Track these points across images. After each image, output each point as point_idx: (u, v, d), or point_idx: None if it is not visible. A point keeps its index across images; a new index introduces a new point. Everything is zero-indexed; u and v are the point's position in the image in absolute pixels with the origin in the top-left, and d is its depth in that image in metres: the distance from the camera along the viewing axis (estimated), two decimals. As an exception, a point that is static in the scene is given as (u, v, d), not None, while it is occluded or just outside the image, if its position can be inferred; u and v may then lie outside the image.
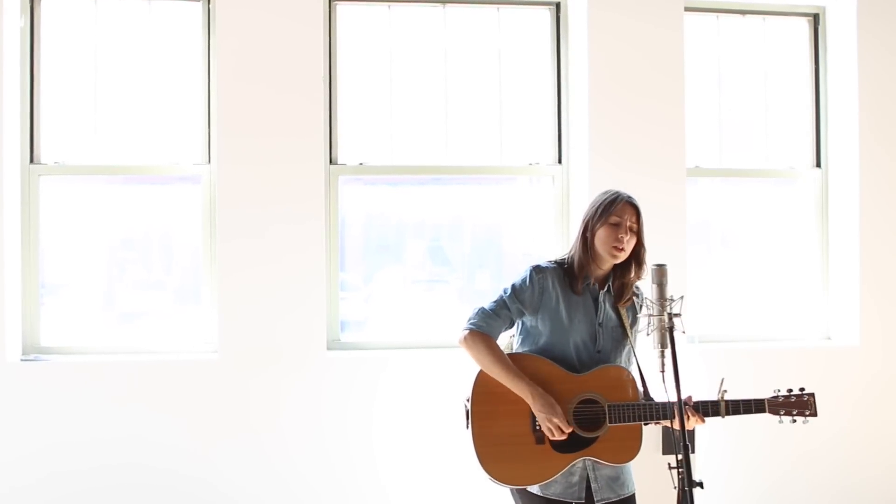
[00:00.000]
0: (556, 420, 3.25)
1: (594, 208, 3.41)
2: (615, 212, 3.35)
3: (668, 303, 3.02)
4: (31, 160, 4.88)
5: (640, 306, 3.39)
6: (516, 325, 3.48)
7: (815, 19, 5.40)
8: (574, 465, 3.30)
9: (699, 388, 3.49)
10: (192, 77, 4.97)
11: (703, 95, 5.32)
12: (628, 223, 3.34)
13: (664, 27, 5.04)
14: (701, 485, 2.96)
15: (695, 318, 4.78)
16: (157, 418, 4.74)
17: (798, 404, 3.37)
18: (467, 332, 3.38)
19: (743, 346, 5.20)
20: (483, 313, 3.40)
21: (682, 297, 3.05)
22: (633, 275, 3.40)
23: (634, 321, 3.42)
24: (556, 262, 3.46)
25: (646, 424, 3.31)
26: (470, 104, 5.16)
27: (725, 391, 3.33)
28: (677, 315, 3.01)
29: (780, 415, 3.37)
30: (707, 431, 4.82)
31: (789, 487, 5.13)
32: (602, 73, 4.98)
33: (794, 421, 3.38)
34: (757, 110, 5.42)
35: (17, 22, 4.82)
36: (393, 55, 5.13)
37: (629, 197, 3.40)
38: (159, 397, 4.75)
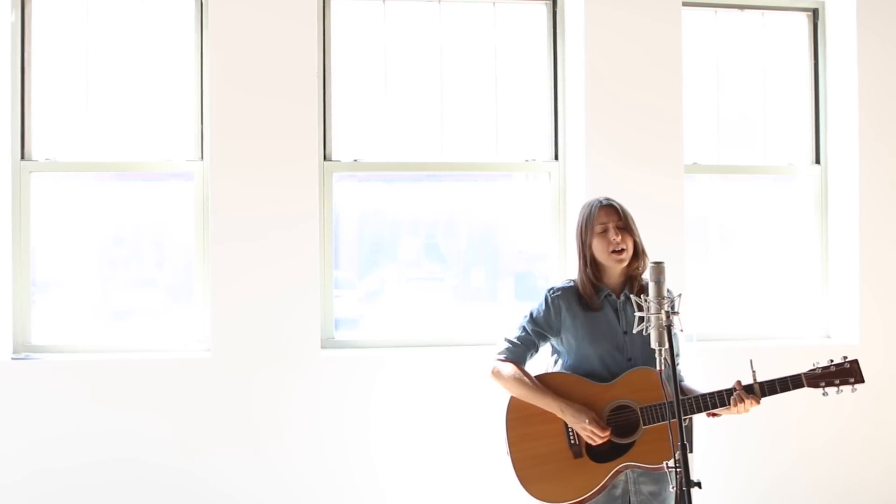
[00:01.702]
0: (589, 426, 3.29)
1: (579, 228, 3.48)
2: (597, 220, 3.42)
3: (665, 301, 2.98)
4: (22, 157, 4.84)
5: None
6: (550, 347, 3.54)
7: (815, 14, 5.36)
8: (618, 477, 3.34)
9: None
10: (185, 73, 4.93)
11: (701, 91, 5.28)
12: (613, 224, 3.39)
13: (662, 22, 5.00)
14: (699, 485, 2.94)
15: (693, 316, 4.75)
16: (149, 417, 4.70)
17: (840, 373, 3.32)
18: (493, 365, 3.48)
19: (742, 344, 5.16)
20: (507, 343, 3.50)
21: (679, 295, 3.02)
22: (636, 267, 3.43)
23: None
24: (573, 280, 3.52)
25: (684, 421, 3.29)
26: (465, 100, 5.12)
27: (755, 372, 3.30)
28: (675, 313, 2.98)
29: (822, 387, 3.32)
30: (705, 430, 4.79)
31: (788, 487, 5.09)
32: (599, 69, 4.94)
33: (840, 391, 3.33)
34: (756, 106, 5.38)
35: (7, 17, 4.78)
36: (388, 51, 5.09)
37: (604, 200, 3.47)
38: (151, 396, 4.71)
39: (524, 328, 3.48)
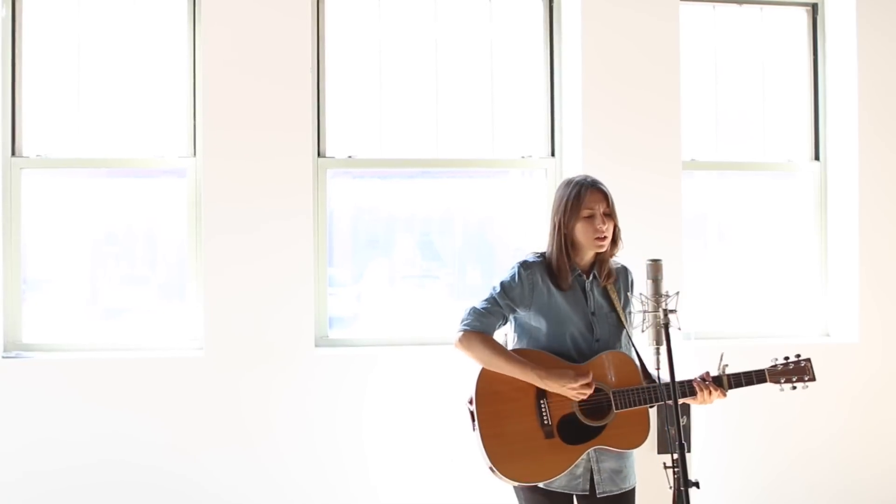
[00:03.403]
0: (574, 384, 3.18)
1: (563, 204, 3.32)
2: (585, 204, 3.28)
3: (663, 299, 2.95)
4: (13, 153, 4.80)
5: (631, 284, 3.36)
6: (511, 322, 3.42)
7: (814, 9, 5.33)
8: (579, 457, 3.26)
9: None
10: (178, 69, 4.89)
11: (699, 87, 5.26)
12: (602, 210, 3.28)
13: (659, 17, 4.97)
14: (697, 485, 2.92)
15: (691, 315, 4.72)
16: (140, 416, 4.67)
17: (796, 371, 3.34)
18: (461, 333, 3.31)
19: (740, 342, 5.13)
20: (475, 312, 3.34)
21: (677, 293, 2.99)
22: (607, 251, 3.33)
23: (626, 302, 3.37)
24: (541, 254, 3.40)
25: (652, 407, 3.26)
26: (461, 96, 5.09)
27: (726, 365, 3.27)
28: (673, 311, 2.95)
29: (781, 383, 3.34)
30: (704, 429, 4.76)
31: (787, 487, 5.06)
32: (596, 65, 4.91)
33: (794, 388, 3.34)
34: (754, 102, 5.36)
35: (-3, 11, 4.75)
36: (382, 46, 5.05)
37: (594, 182, 3.33)
38: (143, 395, 4.68)
39: (495, 299, 3.33)
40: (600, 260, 3.36)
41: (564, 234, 3.32)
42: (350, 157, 4.96)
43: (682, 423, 2.96)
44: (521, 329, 3.41)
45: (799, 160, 5.34)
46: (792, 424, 5.00)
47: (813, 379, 3.35)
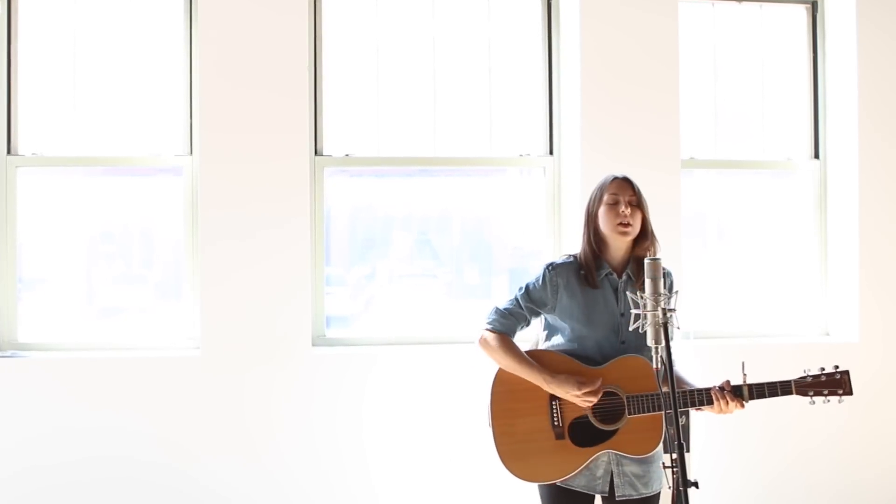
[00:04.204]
0: (577, 391, 3.22)
1: (591, 197, 3.42)
2: (609, 191, 3.36)
3: (662, 298, 2.92)
4: (9, 151, 4.78)
5: (670, 286, 3.30)
6: (541, 321, 3.48)
7: (814, 7, 5.31)
8: (599, 457, 3.28)
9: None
10: (174, 67, 4.87)
11: (698, 85, 5.23)
12: (626, 198, 3.33)
13: (658, 14, 4.95)
14: (696, 485, 2.89)
15: (690, 314, 4.69)
16: (137, 416, 4.65)
17: (830, 384, 3.24)
18: (482, 333, 3.41)
19: (739, 342, 5.11)
20: (498, 313, 3.43)
21: (676, 292, 2.97)
22: (645, 248, 3.37)
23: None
24: (573, 255, 3.44)
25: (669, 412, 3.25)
26: (459, 94, 5.07)
27: (746, 374, 3.24)
28: (672, 310, 2.92)
29: (811, 396, 3.26)
30: (703, 429, 4.74)
31: (786, 487, 5.04)
32: (594, 62, 4.88)
33: (828, 401, 3.26)
34: (754, 100, 5.33)
35: (-8, 9, 4.73)
36: (380, 44, 5.03)
37: (621, 174, 3.42)
38: (140, 394, 4.66)
39: (517, 301, 3.41)
40: (635, 258, 3.36)
41: (591, 226, 3.38)
42: (347, 155, 4.94)
43: (681, 423, 2.94)
44: (549, 328, 3.46)
45: (798, 158, 5.32)
46: (792, 424, 4.98)
47: (849, 393, 3.24)
